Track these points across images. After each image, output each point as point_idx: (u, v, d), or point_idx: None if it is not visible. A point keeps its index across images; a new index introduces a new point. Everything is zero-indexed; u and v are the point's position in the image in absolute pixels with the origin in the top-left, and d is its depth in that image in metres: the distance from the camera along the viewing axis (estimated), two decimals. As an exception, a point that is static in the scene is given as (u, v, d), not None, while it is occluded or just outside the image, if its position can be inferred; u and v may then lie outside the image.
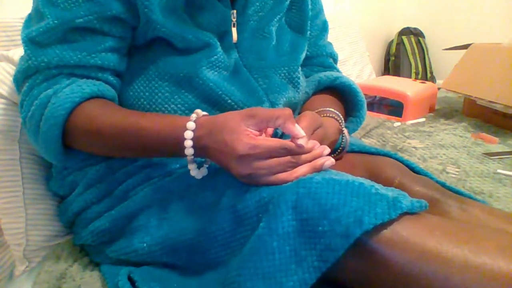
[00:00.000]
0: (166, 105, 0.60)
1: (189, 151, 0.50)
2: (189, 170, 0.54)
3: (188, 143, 0.49)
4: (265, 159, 0.47)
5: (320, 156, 0.50)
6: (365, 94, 1.60)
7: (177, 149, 0.51)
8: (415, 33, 2.33)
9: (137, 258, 0.58)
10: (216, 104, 0.62)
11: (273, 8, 0.69)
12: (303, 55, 0.75)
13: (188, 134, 0.49)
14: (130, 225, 0.59)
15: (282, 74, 0.70)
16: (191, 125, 0.50)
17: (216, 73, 0.62)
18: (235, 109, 0.62)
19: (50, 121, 0.54)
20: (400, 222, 0.42)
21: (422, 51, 2.32)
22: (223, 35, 0.64)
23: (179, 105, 0.60)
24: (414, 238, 0.41)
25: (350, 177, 0.48)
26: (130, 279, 0.57)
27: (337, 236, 0.41)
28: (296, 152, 0.48)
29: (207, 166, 0.55)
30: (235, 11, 0.64)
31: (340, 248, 0.41)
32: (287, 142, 0.48)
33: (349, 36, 1.72)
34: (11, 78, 0.69)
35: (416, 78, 2.20)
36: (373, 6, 2.26)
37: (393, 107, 1.47)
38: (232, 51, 0.65)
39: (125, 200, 0.60)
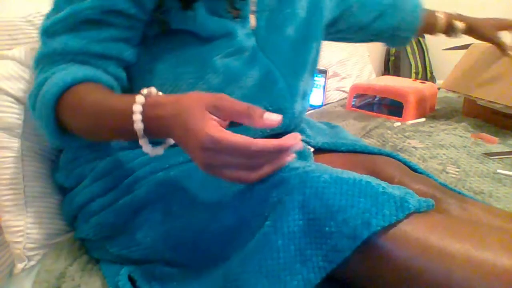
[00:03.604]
0: (191, 91, 0.61)
1: (138, 125, 0.47)
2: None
3: (137, 117, 0.47)
4: (228, 155, 0.43)
5: (287, 148, 0.45)
6: (365, 94, 1.60)
7: (128, 124, 0.48)
8: (415, 33, 2.32)
9: (139, 253, 0.59)
10: (240, 87, 0.65)
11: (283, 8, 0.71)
12: (317, 41, 0.79)
13: (137, 108, 0.47)
14: (134, 220, 0.59)
15: (297, 63, 0.73)
16: (140, 98, 0.48)
17: (236, 56, 0.65)
18: (254, 91, 0.65)
19: (43, 100, 0.55)
20: (403, 218, 0.42)
21: (422, 51, 2.32)
22: (241, 22, 0.66)
23: (204, 90, 0.62)
24: (416, 233, 0.41)
25: (356, 175, 0.48)
26: (130, 279, 0.57)
27: (343, 238, 0.41)
28: (260, 156, 0.45)
29: (165, 148, 0.53)
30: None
31: (346, 249, 0.41)
32: (251, 144, 0.42)
33: (349, 36, 1.71)
34: (16, 76, 0.72)
35: (416, 78, 2.21)
36: (373, 6, 2.26)
37: (393, 107, 1.47)
38: (249, 37, 0.67)
39: (130, 193, 0.60)
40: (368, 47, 1.95)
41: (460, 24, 1.06)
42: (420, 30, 1.04)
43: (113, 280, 0.58)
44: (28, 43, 0.78)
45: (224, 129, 0.43)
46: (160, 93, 0.51)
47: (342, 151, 0.75)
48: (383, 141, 1.17)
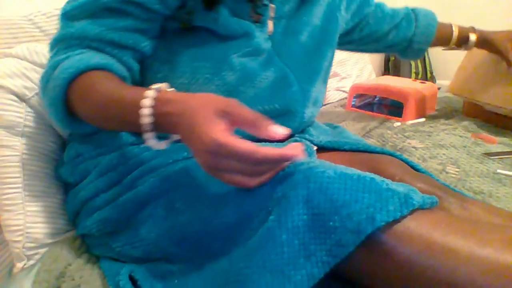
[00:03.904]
0: (207, 86, 0.63)
1: (144, 119, 0.48)
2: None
3: (145, 111, 0.47)
4: (231, 160, 0.44)
5: (290, 158, 0.47)
6: (365, 94, 1.60)
7: (136, 117, 0.48)
8: (415, 33, 2.32)
9: (142, 249, 0.59)
10: (254, 86, 0.66)
11: (301, 16, 0.74)
12: (332, 49, 0.82)
13: (146, 103, 0.48)
14: (137, 215, 0.59)
15: (311, 69, 0.76)
16: (150, 93, 0.48)
17: (252, 57, 0.66)
18: (268, 92, 0.67)
19: (54, 82, 0.56)
20: (407, 215, 0.42)
21: (422, 51, 2.32)
22: (260, 26, 0.68)
23: (219, 86, 0.64)
24: (420, 229, 0.41)
25: (360, 172, 0.48)
26: (131, 278, 0.57)
27: (348, 233, 0.41)
28: (263, 163, 0.46)
29: (170, 142, 0.54)
30: (273, 6, 0.69)
31: (350, 244, 0.41)
32: (256, 152, 0.43)
33: (349, 36, 1.72)
34: (19, 73, 0.72)
35: (416, 78, 2.20)
36: (373, 6, 2.26)
37: (393, 107, 1.47)
38: (266, 41, 0.69)
39: (133, 188, 0.60)
40: (368, 47, 1.95)
41: (473, 37, 1.07)
42: (434, 42, 1.06)
43: (114, 279, 0.58)
44: (30, 42, 0.78)
45: (230, 134, 0.43)
46: (170, 90, 0.52)
47: (344, 150, 0.75)
48: (383, 141, 1.17)
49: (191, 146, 0.46)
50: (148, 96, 0.48)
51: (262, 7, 0.67)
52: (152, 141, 0.50)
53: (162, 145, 0.52)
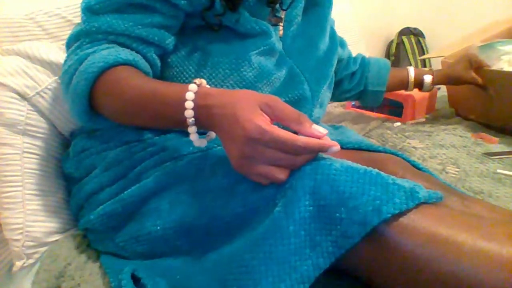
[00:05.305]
0: (225, 81, 0.65)
1: (189, 112, 0.49)
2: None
3: (189, 104, 0.49)
4: (270, 148, 0.45)
5: (327, 148, 0.48)
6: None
7: (178, 111, 0.49)
8: (415, 33, 2.33)
9: (147, 243, 0.59)
10: (269, 84, 0.68)
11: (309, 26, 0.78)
12: (336, 56, 0.86)
13: (189, 96, 0.49)
14: (141, 209, 0.59)
15: (320, 73, 0.79)
16: (193, 87, 0.49)
17: (267, 56, 0.69)
18: (280, 90, 0.70)
19: (81, 76, 0.56)
20: (411, 209, 0.42)
21: (422, 51, 2.33)
22: (274, 29, 0.71)
23: (237, 82, 0.65)
24: (425, 222, 0.41)
25: (366, 167, 0.48)
26: (132, 277, 0.57)
27: (354, 224, 0.42)
28: (302, 152, 0.47)
29: (208, 140, 0.55)
30: (284, 12, 0.72)
31: (356, 235, 0.41)
32: (297, 140, 0.45)
33: (349, 36, 1.71)
34: (20, 71, 0.72)
35: (416, 78, 2.21)
36: (373, 6, 2.27)
37: (393, 107, 1.47)
38: (278, 42, 0.72)
39: (138, 182, 0.60)
40: (368, 47, 1.95)
41: (428, 78, 1.12)
42: (392, 86, 1.13)
43: (116, 277, 0.58)
44: (31, 40, 0.78)
45: (271, 124, 0.45)
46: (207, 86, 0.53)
47: (347, 148, 0.75)
48: (383, 141, 1.17)
49: (229, 136, 0.46)
50: (191, 90, 0.49)
51: (279, 10, 0.69)
52: (195, 136, 0.51)
53: (203, 142, 0.53)
